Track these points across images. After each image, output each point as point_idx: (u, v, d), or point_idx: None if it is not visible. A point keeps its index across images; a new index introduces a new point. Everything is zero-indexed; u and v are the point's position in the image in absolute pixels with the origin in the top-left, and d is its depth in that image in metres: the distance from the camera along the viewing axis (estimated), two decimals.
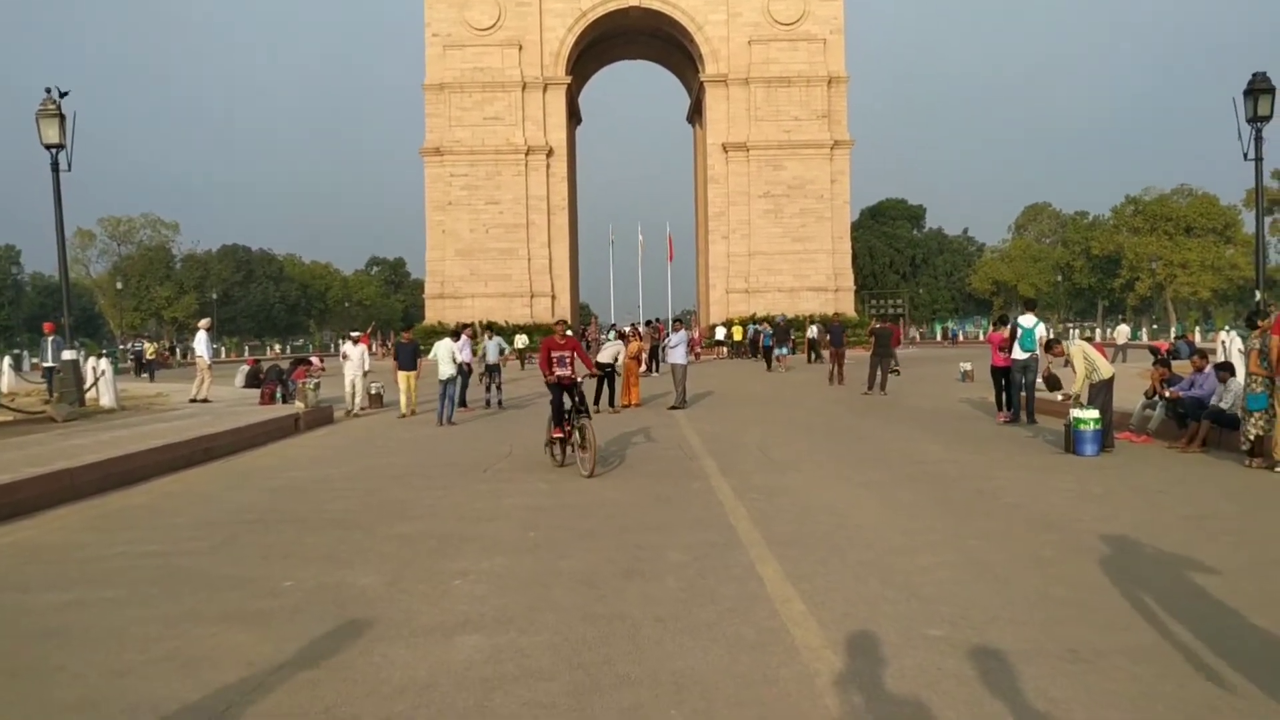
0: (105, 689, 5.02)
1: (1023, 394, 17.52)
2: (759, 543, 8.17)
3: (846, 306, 65.26)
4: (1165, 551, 7.65)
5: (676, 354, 22.99)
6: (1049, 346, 16.24)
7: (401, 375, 21.22)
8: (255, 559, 7.96)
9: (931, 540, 8.20)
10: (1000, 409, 18.21)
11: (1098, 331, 64.96)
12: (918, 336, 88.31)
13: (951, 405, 21.29)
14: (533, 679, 5.07)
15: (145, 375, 41.21)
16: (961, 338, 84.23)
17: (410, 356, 21.43)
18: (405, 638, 5.79)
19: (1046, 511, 9.37)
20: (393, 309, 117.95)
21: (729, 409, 21.87)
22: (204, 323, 24.84)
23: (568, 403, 12.83)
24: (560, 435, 12.84)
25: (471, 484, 11.77)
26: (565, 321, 14.06)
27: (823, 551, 7.83)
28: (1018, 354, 17.63)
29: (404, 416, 20.67)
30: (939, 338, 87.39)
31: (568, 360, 12.93)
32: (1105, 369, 14.03)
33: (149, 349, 46.49)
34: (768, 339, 39.84)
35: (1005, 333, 18.41)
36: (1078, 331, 69.93)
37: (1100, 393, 13.73)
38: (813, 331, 46.30)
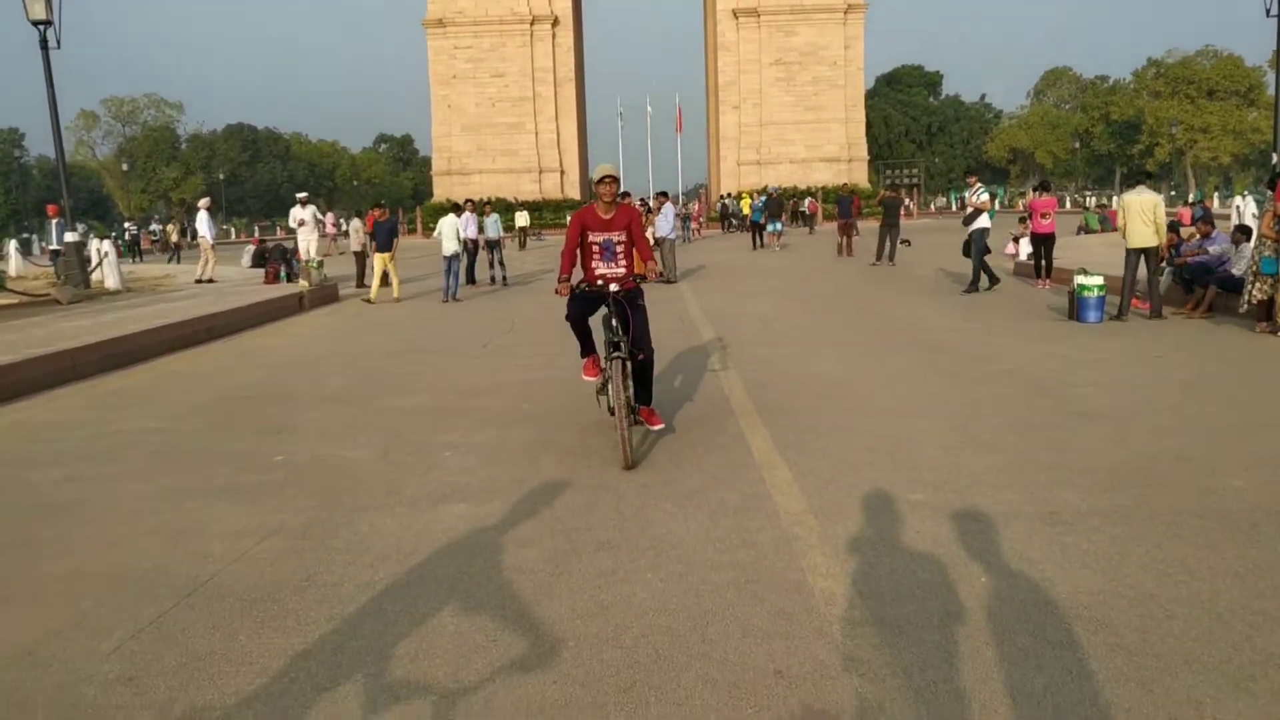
0: (93, 561, 5.10)
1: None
2: (751, 412, 8.17)
3: (860, 177, 64.37)
4: (1157, 416, 7.62)
5: (663, 227, 22.66)
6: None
7: (378, 257, 19.41)
8: (250, 435, 8.02)
9: (923, 407, 8.19)
10: (1038, 276, 18.04)
11: (1114, 199, 63.90)
12: (933, 207, 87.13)
13: (961, 275, 21.06)
14: (514, 546, 5.13)
15: (170, 258, 41.07)
16: None
17: (386, 236, 19.30)
18: (391, 508, 5.85)
19: (1042, 377, 9.33)
20: (402, 187, 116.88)
21: (734, 282, 21.76)
22: (204, 202, 24.62)
23: (603, 325, 7.19)
24: (597, 375, 7.55)
25: (470, 359, 11.79)
26: (615, 177, 7.34)
27: (813, 420, 7.83)
28: (987, 223, 17.51)
29: (370, 301, 19.17)
30: (956, 207, 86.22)
31: (617, 249, 7.25)
32: (1139, 237, 13.28)
33: (171, 230, 45.87)
34: (757, 214, 36.39)
35: (1048, 199, 18.28)
36: (1094, 199, 68.95)
37: (1132, 259, 13.37)
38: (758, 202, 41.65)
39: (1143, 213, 13.18)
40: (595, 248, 7.27)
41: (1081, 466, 6.22)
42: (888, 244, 24.90)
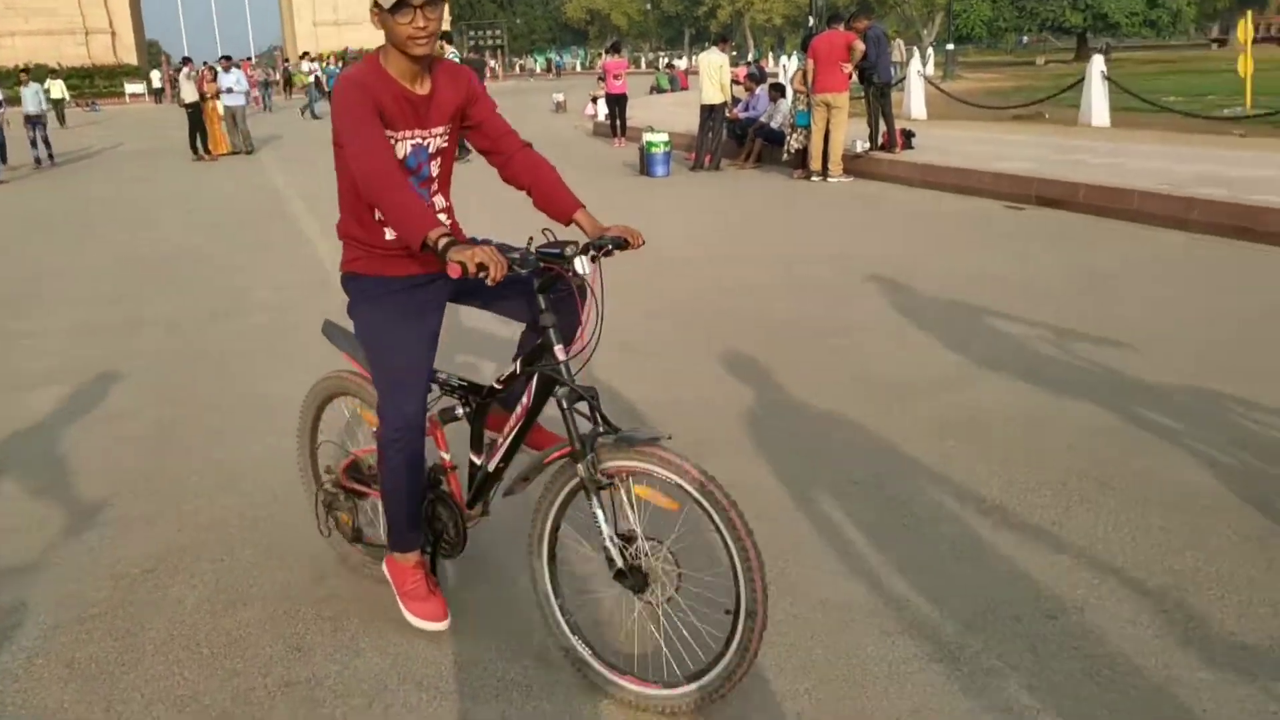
0: None
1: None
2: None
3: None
4: (718, 248, 8.85)
5: (235, 96, 21.16)
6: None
7: None
8: None
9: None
10: (615, 134, 19.19)
11: (682, 60, 68.02)
12: (518, 68, 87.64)
13: (547, 135, 21.87)
14: (120, 419, 5.14)
15: None
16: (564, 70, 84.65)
17: None
18: None
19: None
20: None
21: (317, 153, 21.18)
22: None
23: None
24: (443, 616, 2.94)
25: (37, 244, 10.91)
26: None
27: None
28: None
29: None
30: (541, 70, 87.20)
31: (432, 165, 2.87)
32: (707, 94, 14.37)
33: None
34: (332, 79, 33.31)
35: (619, 60, 19.28)
36: (664, 60, 72.79)
37: (703, 115, 14.57)
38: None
39: (710, 73, 14.47)
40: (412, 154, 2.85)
41: (659, 303, 7.09)
42: None
